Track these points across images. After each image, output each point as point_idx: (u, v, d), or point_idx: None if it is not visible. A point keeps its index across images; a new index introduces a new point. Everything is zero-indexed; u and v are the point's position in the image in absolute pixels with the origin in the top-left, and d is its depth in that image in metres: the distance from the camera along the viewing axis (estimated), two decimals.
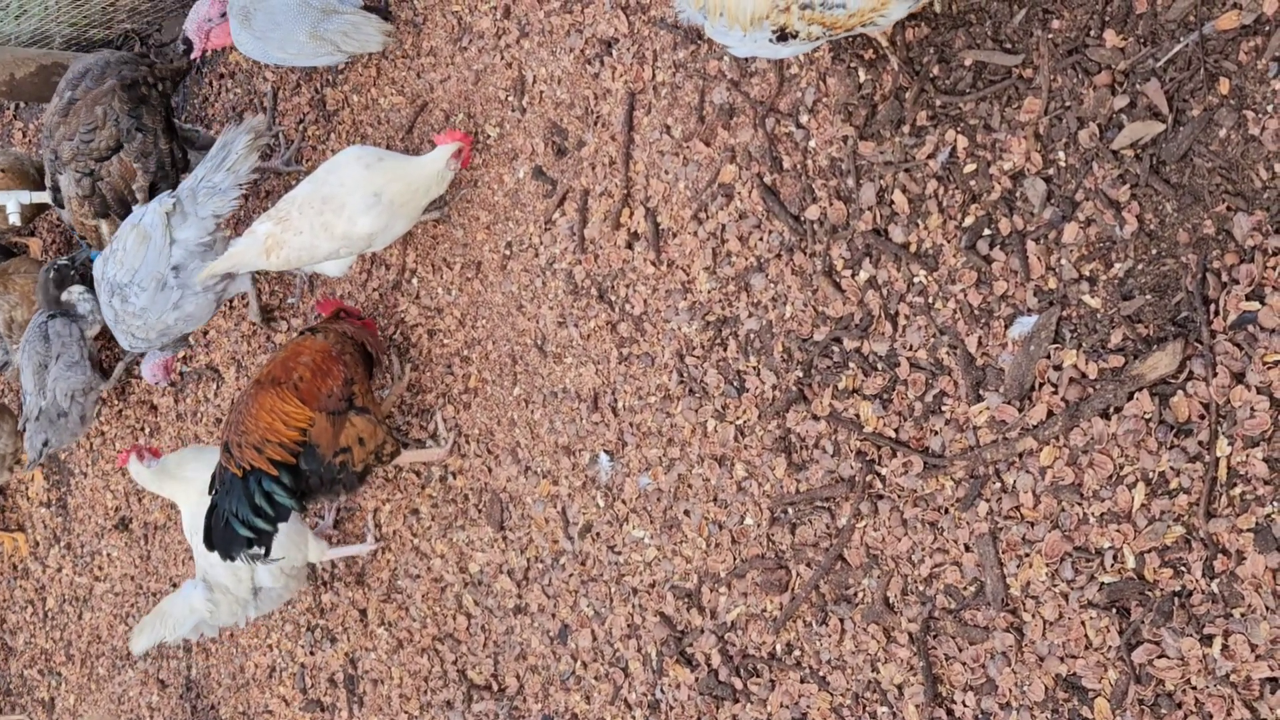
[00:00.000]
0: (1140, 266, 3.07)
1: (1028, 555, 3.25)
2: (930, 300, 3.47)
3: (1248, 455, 2.87)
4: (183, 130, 5.53)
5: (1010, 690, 3.29)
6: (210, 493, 4.50)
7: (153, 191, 5.23)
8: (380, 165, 4.49)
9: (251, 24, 4.96)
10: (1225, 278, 2.92)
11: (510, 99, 4.70)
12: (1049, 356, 3.21)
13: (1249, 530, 2.87)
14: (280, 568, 5.01)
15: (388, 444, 4.61)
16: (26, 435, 6.14)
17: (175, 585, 6.49)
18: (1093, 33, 3.16)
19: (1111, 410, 3.09)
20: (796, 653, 3.79)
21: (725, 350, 3.96)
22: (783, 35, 3.18)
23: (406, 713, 5.17)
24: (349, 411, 4.45)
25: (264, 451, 4.33)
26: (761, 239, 3.86)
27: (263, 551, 4.45)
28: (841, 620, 3.66)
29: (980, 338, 3.36)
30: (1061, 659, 3.19)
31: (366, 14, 4.90)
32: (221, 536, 4.40)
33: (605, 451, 4.33)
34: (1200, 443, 2.95)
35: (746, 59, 3.90)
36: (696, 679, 4.03)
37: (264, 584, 5.12)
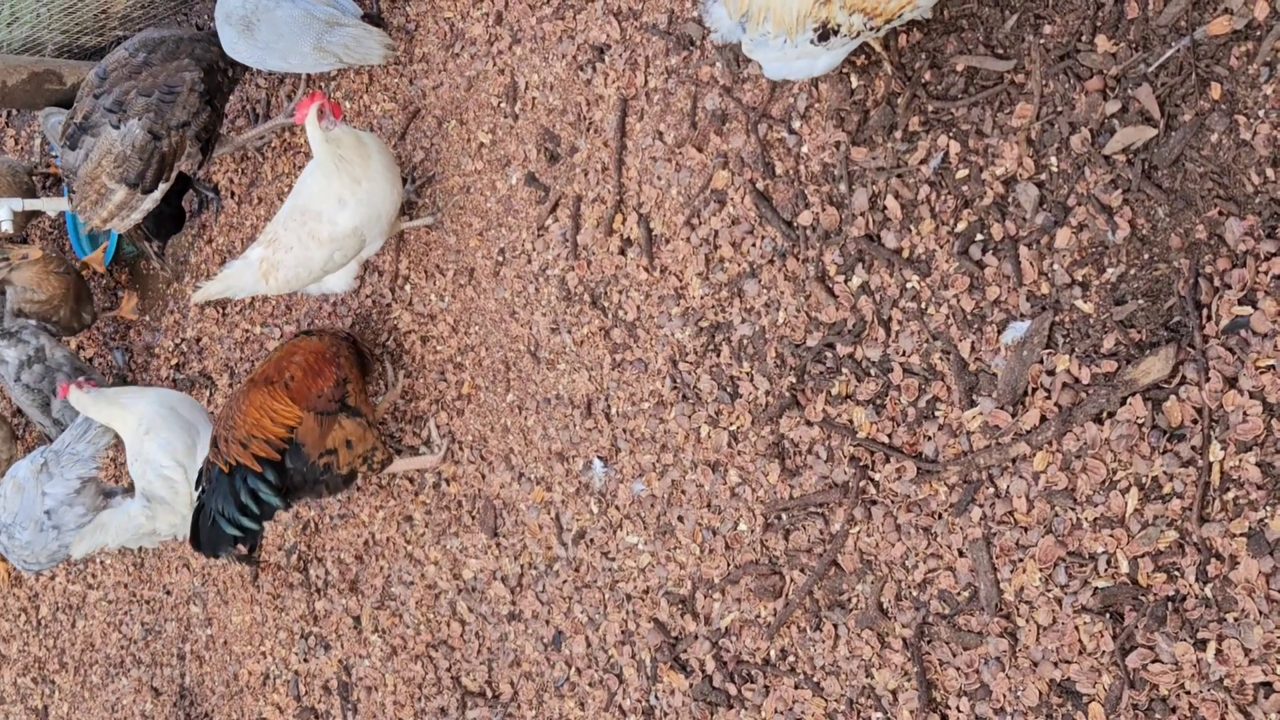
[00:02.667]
0: (1133, 271, 3.07)
1: (1021, 560, 3.25)
2: (923, 306, 3.47)
3: (1240, 460, 2.87)
4: None
5: (1004, 695, 3.29)
6: (197, 489, 4.55)
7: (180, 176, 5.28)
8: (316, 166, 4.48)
9: (255, 34, 4.95)
10: (1217, 282, 2.92)
11: (502, 105, 4.70)
12: (1042, 361, 3.21)
13: (1242, 535, 2.87)
14: None
15: (378, 450, 4.61)
16: None
17: (169, 592, 6.48)
18: (1084, 38, 3.17)
19: (1104, 415, 3.09)
20: (791, 658, 3.79)
21: (718, 356, 3.96)
22: (824, 34, 3.14)
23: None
24: (339, 413, 4.46)
25: (249, 447, 4.36)
26: (754, 245, 3.86)
27: (248, 549, 4.53)
28: (835, 626, 3.66)
29: (973, 343, 3.36)
30: (1055, 664, 3.19)
31: (369, 27, 4.90)
32: (209, 535, 4.47)
33: (599, 458, 4.33)
34: (1193, 447, 2.95)
35: (741, 66, 3.91)
36: (690, 685, 4.02)
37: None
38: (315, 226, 4.46)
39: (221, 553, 4.52)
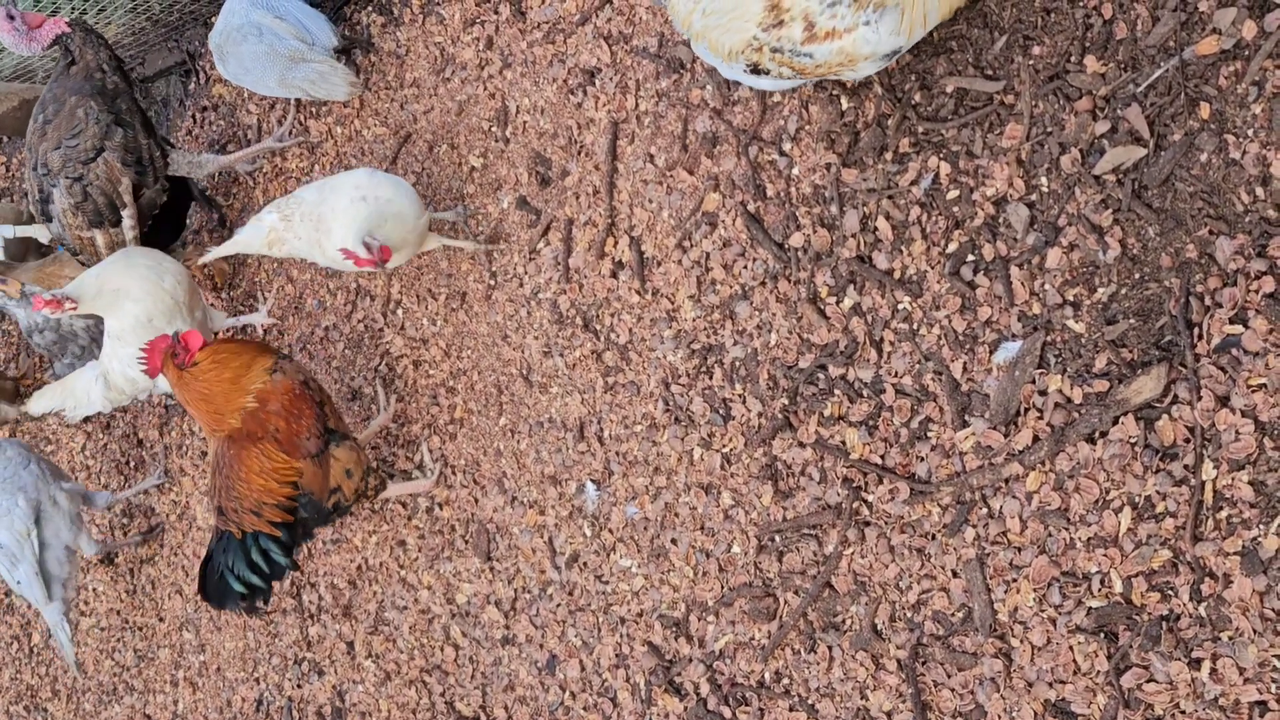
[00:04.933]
0: (1124, 291, 3.08)
1: (1015, 580, 3.24)
2: (915, 326, 3.47)
3: (1233, 478, 2.87)
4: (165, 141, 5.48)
5: (999, 716, 3.28)
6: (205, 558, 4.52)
7: (137, 194, 5.23)
8: (364, 205, 4.30)
9: (226, 65, 5.01)
10: (1208, 301, 2.93)
11: (493, 129, 4.71)
12: (1034, 381, 3.21)
13: (1235, 553, 2.87)
14: None
15: (372, 474, 4.58)
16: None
17: (161, 618, 6.46)
18: (1073, 59, 3.18)
19: (1097, 435, 3.09)
20: (785, 681, 3.78)
21: (711, 378, 3.96)
22: (755, 70, 3.23)
23: None
24: (329, 446, 4.40)
25: (263, 515, 4.27)
26: (746, 267, 3.86)
27: (261, 604, 4.47)
28: (830, 648, 3.65)
29: (965, 363, 3.36)
30: (1050, 684, 3.18)
31: (334, 64, 4.92)
32: (216, 589, 4.39)
33: (592, 481, 4.32)
34: (1186, 466, 2.95)
35: (731, 89, 3.92)
36: (685, 708, 4.01)
37: (163, 388, 5.21)
38: (323, 239, 4.39)
39: (229, 606, 4.46)
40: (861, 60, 3.07)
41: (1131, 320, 3.06)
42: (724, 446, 3.92)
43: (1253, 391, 2.85)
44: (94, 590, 6.98)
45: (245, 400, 4.27)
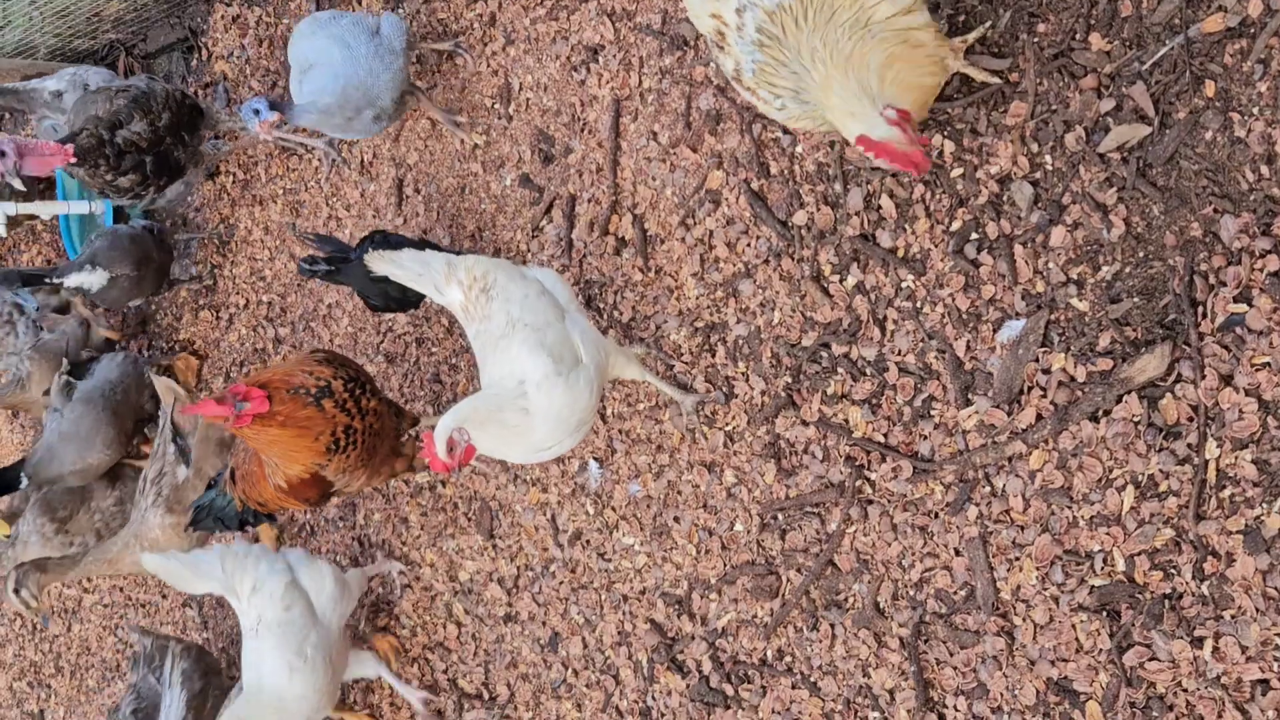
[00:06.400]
0: (1128, 269, 3.07)
1: (1018, 559, 3.24)
2: (918, 305, 3.47)
3: (1236, 457, 2.87)
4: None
5: (1002, 694, 3.28)
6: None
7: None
8: (494, 388, 3.51)
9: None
10: (1212, 280, 2.92)
11: (497, 106, 4.70)
12: (1037, 360, 3.21)
13: (1238, 532, 2.87)
14: None
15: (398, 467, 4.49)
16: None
17: (164, 595, 6.47)
18: (1078, 36, 3.17)
19: (1100, 413, 3.09)
20: (787, 659, 3.78)
21: (714, 356, 3.95)
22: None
23: None
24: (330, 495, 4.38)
25: (267, 506, 4.37)
26: (749, 245, 3.86)
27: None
28: (832, 625, 3.66)
29: (968, 342, 3.36)
30: (1052, 662, 3.19)
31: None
32: (207, 516, 4.77)
33: (594, 459, 4.32)
34: (1189, 445, 2.95)
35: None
36: (688, 686, 4.02)
37: None
38: (508, 407, 3.41)
39: (207, 529, 4.92)
40: (774, 114, 3.12)
41: (1135, 299, 3.06)
42: (727, 425, 3.92)
43: (1256, 370, 2.85)
44: None
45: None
